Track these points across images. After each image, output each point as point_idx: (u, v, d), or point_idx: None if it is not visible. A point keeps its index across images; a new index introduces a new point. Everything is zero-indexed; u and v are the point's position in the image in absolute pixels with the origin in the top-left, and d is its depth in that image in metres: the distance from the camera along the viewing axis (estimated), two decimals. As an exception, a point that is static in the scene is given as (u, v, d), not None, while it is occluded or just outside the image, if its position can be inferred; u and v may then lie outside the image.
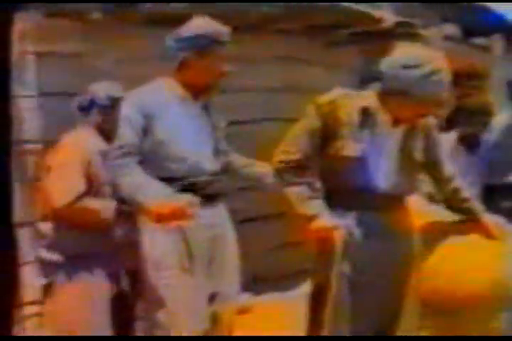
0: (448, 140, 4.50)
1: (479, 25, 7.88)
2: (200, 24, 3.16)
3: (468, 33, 7.77)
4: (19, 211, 3.35)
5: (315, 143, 2.99)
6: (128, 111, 3.10)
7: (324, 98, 3.01)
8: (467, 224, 3.32)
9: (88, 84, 3.38)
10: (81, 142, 3.16)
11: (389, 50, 4.38)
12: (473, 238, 3.36)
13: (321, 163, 3.06)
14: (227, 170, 3.29)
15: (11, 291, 3.23)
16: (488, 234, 3.27)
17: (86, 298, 3.11)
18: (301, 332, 3.51)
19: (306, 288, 4.49)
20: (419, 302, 3.17)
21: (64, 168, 3.08)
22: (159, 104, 3.10)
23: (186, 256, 3.07)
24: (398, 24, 4.78)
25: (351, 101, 2.97)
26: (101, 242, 3.14)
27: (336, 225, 2.94)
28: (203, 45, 3.12)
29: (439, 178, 3.27)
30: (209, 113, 3.23)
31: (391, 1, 5.64)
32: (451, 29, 6.56)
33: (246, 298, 4.28)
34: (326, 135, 2.96)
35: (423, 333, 3.20)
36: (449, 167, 3.27)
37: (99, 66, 3.54)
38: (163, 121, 3.08)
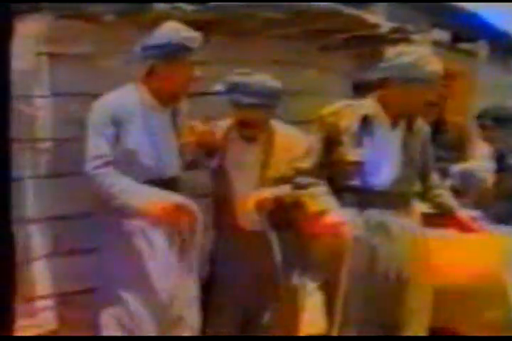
0: None
1: (466, 31, 8.03)
2: (167, 32, 3.09)
3: (456, 38, 7.93)
4: (31, 207, 3.42)
5: (321, 151, 3.19)
6: (98, 120, 3.07)
7: (328, 109, 3.24)
8: (443, 218, 3.47)
9: (98, 84, 3.49)
10: None
11: (381, 55, 4.51)
12: (449, 233, 3.49)
13: (328, 167, 3.24)
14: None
15: (11, 287, 3.27)
16: (462, 228, 3.41)
17: None
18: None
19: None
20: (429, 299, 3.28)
21: None
22: (127, 112, 3.09)
23: None
24: (392, 30, 4.86)
25: (352, 110, 3.18)
26: None
27: (346, 221, 3.08)
28: (170, 53, 3.07)
29: (422, 181, 3.46)
30: (177, 119, 3.24)
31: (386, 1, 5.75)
32: (440, 34, 6.67)
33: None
34: (330, 143, 3.18)
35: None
36: (434, 175, 3.49)
37: (108, 66, 3.64)
38: (132, 131, 3.08)
